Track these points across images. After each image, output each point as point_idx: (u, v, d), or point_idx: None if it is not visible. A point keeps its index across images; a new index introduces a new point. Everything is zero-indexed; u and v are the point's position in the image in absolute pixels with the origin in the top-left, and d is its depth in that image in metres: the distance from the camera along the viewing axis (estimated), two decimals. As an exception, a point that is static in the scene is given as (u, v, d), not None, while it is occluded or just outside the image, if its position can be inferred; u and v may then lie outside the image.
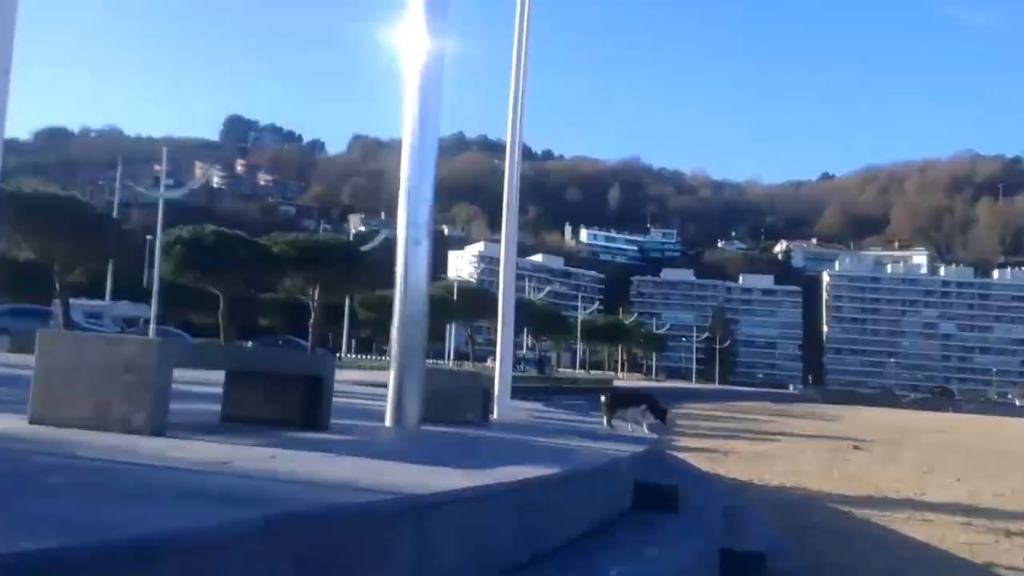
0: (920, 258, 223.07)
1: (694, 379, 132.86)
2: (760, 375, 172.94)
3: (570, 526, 4.27)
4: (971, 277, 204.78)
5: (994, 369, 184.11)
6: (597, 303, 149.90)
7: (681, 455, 20.86)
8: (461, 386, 8.37)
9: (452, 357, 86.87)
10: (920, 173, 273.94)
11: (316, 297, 56.10)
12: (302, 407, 5.44)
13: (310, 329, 55.47)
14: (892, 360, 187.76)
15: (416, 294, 6.75)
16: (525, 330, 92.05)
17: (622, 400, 11.05)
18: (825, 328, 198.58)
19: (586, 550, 4.10)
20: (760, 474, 18.07)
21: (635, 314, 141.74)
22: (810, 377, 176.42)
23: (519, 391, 32.36)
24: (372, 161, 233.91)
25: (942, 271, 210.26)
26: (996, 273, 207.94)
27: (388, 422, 6.39)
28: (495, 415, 9.48)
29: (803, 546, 9.70)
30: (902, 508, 14.12)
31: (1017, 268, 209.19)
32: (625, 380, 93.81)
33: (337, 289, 59.08)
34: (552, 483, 4.11)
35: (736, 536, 7.53)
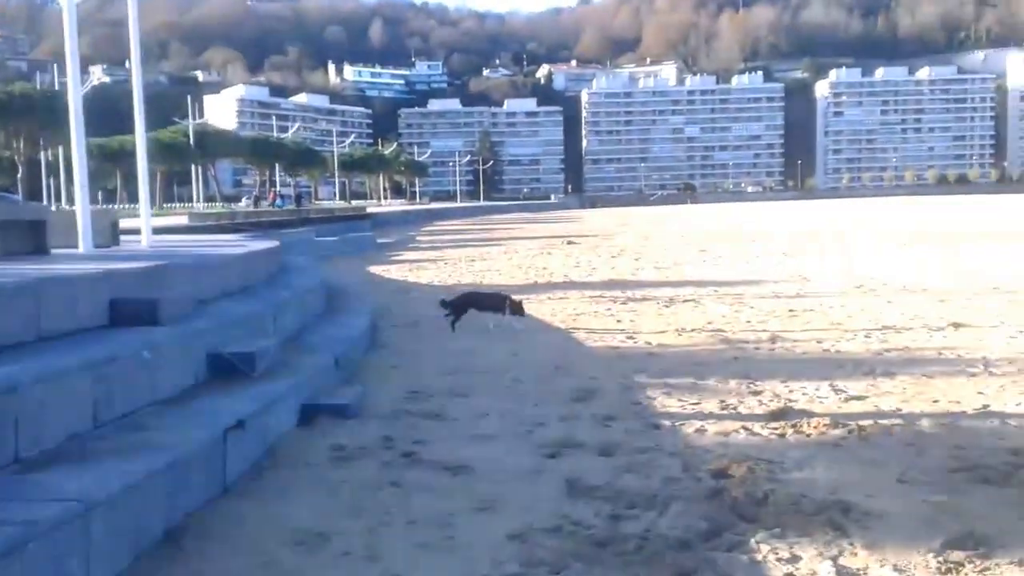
0: (669, 71, 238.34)
1: (459, 199, 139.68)
2: (525, 189, 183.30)
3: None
4: (713, 85, 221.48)
5: (731, 163, 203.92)
6: (365, 138, 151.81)
7: (393, 267, 24.89)
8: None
9: (202, 199, 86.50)
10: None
11: (21, 150, 54.76)
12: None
13: (19, 183, 54.14)
14: (643, 164, 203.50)
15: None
16: (276, 167, 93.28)
17: (476, 304, 11.95)
18: (584, 142, 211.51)
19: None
20: (443, 276, 20.84)
21: (395, 144, 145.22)
22: (569, 187, 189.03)
23: (262, 225, 34.78)
24: (112, 9, 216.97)
25: (688, 81, 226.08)
26: (735, 79, 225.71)
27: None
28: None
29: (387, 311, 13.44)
30: (554, 289, 16.87)
31: (753, 73, 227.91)
32: (387, 207, 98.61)
33: (46, 141, 56.16)
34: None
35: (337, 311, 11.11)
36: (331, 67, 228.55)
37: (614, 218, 73.92)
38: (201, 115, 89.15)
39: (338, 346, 8.62)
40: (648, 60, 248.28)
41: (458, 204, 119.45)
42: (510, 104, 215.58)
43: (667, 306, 14.10)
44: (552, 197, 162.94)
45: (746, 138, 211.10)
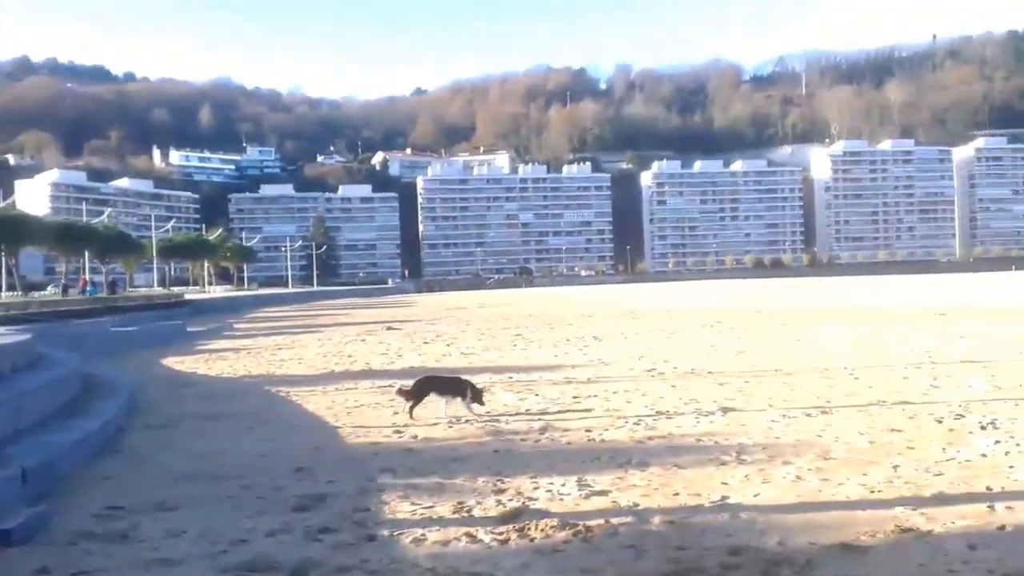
0: (502, 160, 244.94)
1: (290, 284, 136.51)
2: (361, 274, 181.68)
3: None
4: (545, 173, 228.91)
5: (564, 248, 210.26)
6: (192, 223, 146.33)
7: (191, 358, 23.30)
8: None
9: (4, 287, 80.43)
10: (501, 85, 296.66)
11: None
12: None
13: None
14: (480, 249, 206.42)
15: None
16: (86, 254, 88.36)
17: (437, 389, 11.52)
18: (421, 227, 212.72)
19: None
20: (240, 367, 19.95)
21: (220, 230, 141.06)
22: (407, 271, 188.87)
23: (57, 314, 32.09)
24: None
25: (521, 170, 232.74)
26: (565, 168, 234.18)
27: None
28: None
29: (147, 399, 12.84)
30: (347, 379, 16.27)
31: (581, 163, 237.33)
32: (211, 293, 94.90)
33: None
34: None
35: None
36: (156, 151, 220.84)
37: (446, 302, 73.86)
38: (9, 199, 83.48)
39: (41, 455, 7.57)
40: (482, 149, 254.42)
41: (289, 290, 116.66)
42: (345, 190, 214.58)
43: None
44: (389, 281, 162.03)
45: (578, 224, 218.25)
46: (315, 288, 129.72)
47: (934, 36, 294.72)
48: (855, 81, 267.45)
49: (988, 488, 6.92)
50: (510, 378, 15.73)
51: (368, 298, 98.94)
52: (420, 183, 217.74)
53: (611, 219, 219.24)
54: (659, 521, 6.22)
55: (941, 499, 6.64)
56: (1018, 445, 8.46)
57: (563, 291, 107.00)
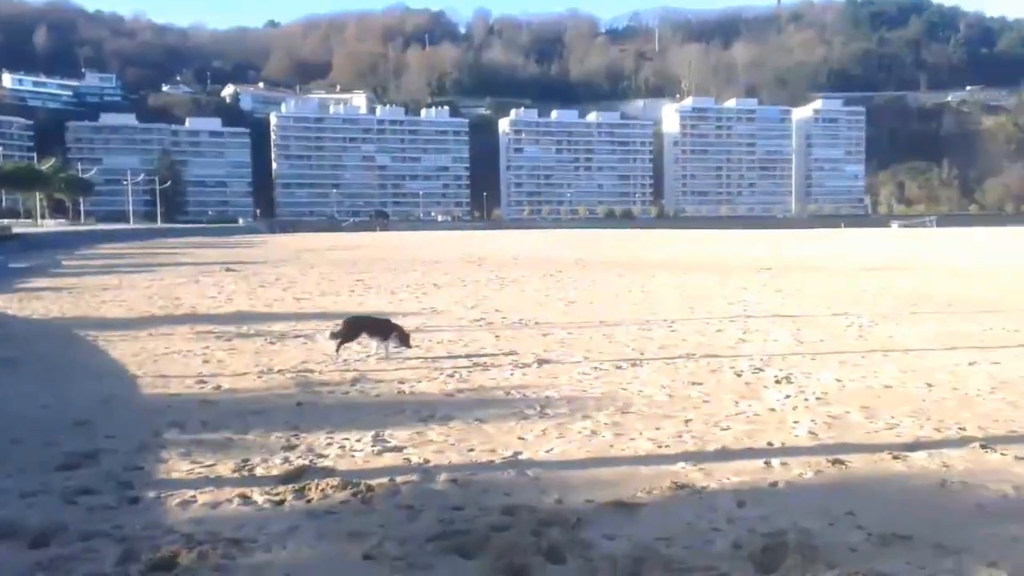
0: (359, 100, 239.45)
1: (132, 220, 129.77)
2: (210, 212, 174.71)
3: None
4: (403, 116, 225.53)
5: (421, 193, 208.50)
6: (26, 151, 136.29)
7: (5, 296, 21.23)
8: None
9: None
10: (358, 22, 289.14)
11: None
12: None
13: None
14: (335, 191, 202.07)
15: None
16: None
17: (368, 329, 11.71)
18: (274, 165, 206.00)
19: None
20: (49, 307, 18.64)
21: (53, 159, 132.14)
22: (259, 212, 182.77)
23: None
24: None
25: (378, 111, 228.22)
26: (423, 112, 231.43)
27: None
28: None
29: None
30: (166, 324, 15.38)
31: (440, 107, 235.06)
32: (44, 226, 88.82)
33: None
34: None
35: None
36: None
37: (297, 244, 71.81)
38: None
39: None
40: (338, 87, 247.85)
41: (131, 226, 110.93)
42: (193, 122, 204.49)
43: (273, 343, 13.16)
44: (240, 221, 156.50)
45: (435, 169, 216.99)
46: (159, 225, 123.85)
47: (778, 0, 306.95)
48: (705, 40, 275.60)
49: (769, 444, 7.19)
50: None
51: (216, 237, 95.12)
52: (273, 120, 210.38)
53: (468, 165, 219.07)
54: (444, 479, 6.13)
55: (722, 454, 6.85)
56: (806, 400, 8.87)
57: (418, 236, 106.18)
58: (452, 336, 13.84)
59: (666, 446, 7.12)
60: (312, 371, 10.66)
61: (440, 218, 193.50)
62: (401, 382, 9.90)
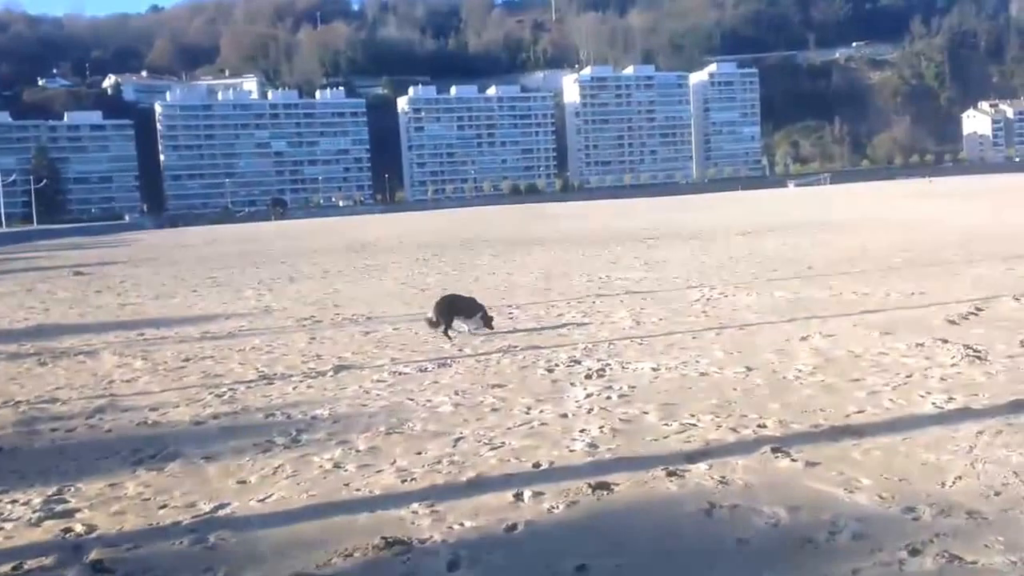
0: (250, 84, 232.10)
1: (3, 223, 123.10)
2: (93, 210, 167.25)
3: None
4: (297, 99, 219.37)
5: (321, 178, 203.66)
6: None
7: None
8: None
9: None
10: (246, 3, 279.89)
11: None
12: None
13: None
14: (229, 180, 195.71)
15: None
16: None
17: (460, 311, 11.74)
18: (162, 157, 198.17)
19: None
20: None
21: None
22: (146, 206, 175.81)
23: None
24: None
25: (271, 95, 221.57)
26: (318, 93, 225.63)
27: None
28: None
29: None
30: None
31: (335, 88, 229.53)
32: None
33: None
34: None
35: None
36: None
37: (178, 239, 68.64)
38: None
39: None
40: (227, 72, 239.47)
41: (3, 229, 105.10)
42: (72, 117, 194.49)
43: (44, 364, 11.48)
44: (127, 217, 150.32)
45: (334, 152, 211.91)
46: (33, 227, 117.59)
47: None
48: (600, 8, 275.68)
49: (536, 464, 6.05)
50: (140, 335, 13.76)
51: (95, 237, 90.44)
52: (159, 109, 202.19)
53: (369, 147, 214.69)
54: (90, 559, 4.79)
55: (471, 487, 5.66)
56: (608, 399, 7.80)
57: (315, 223, 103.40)
58: (261, 342, 12.41)
59: (412, 479, 5.91)
60: (58, 400, 9.11)
61: (341, 203, 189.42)
62: (154, 408, 8.46)
